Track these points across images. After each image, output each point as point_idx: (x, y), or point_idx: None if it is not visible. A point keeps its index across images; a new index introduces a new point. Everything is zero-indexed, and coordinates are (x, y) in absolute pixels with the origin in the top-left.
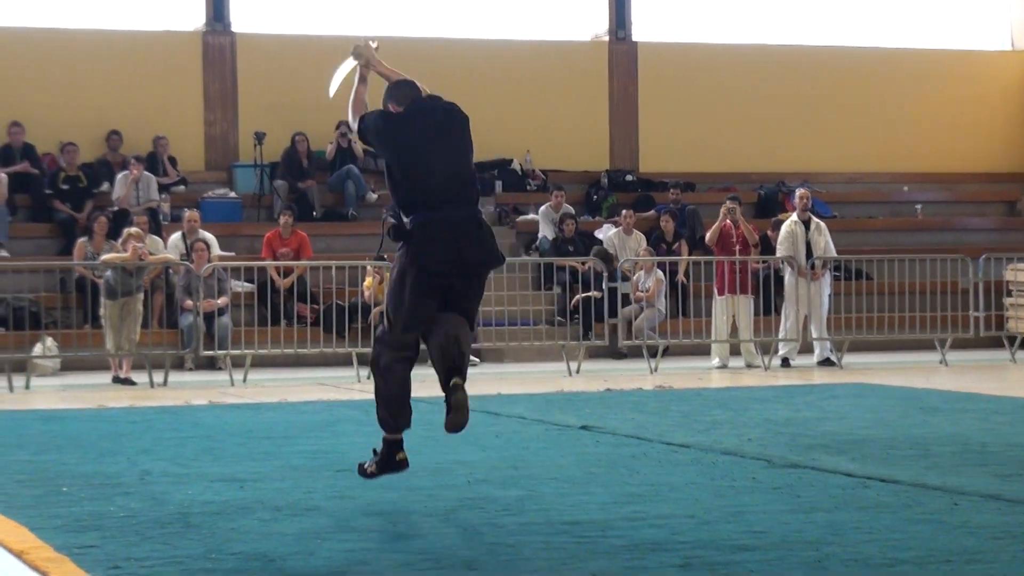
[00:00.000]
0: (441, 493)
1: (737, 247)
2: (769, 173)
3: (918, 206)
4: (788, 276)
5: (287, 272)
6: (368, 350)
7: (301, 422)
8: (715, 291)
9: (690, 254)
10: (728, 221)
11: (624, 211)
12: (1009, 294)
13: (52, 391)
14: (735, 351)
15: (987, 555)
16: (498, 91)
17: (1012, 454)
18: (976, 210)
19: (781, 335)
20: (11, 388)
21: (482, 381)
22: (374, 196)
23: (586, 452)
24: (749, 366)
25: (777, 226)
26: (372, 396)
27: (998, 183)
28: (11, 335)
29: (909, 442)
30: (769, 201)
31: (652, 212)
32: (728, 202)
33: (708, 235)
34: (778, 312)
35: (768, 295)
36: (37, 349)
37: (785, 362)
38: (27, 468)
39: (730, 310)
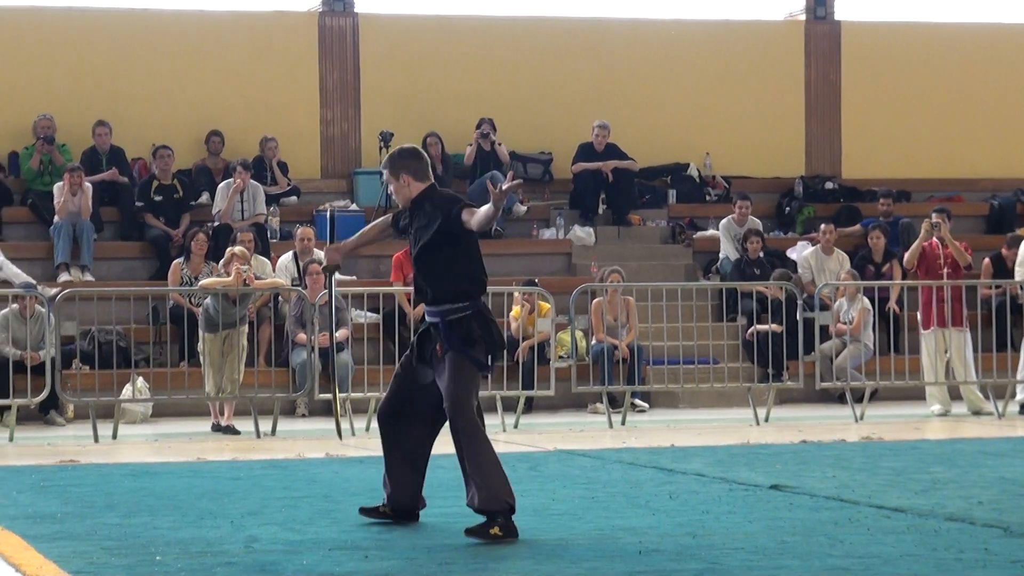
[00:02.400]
0: (605, 566)
1: (945, 270)
2: (1004, 179)
3: None
4: None
5: None
6: (516, 392)
7: (436, 479)
8: (920, 323)
9: (904, 277)
10: (934, 239)
11: (823, 225)
12: None
13: (143, 441)
14: (958, 395)
15: None
16: (671, 82)
17: None
18: None
19: (1020, 376)
20: (96, 438)
21: (653, 431)
22: (523, 208)
23: (778, 517)
24: (977, 413)
25: (1015, 243)
26: (499, 452)
27: None
28: (96, 375)
29: None
30: (1005, 213)
31: (857, 227)
32: (933, 216)
33: (907, 256)
34: (1016, 348)
35: (1003, 327)
36: (126, 391)
37: None
38: (115, 533)
39: (941, 346)
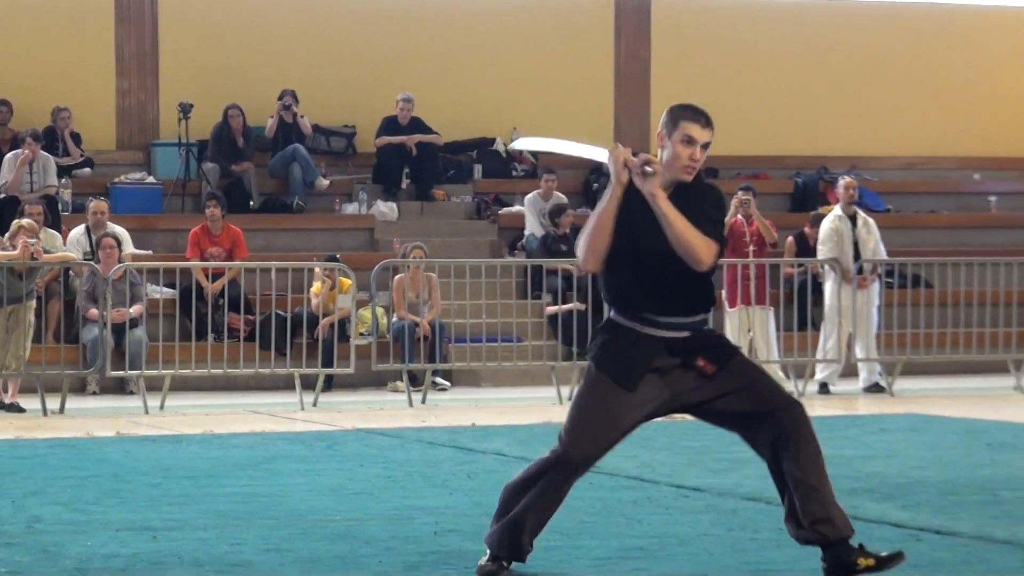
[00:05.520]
0: (400, 546)
1: (751, 247)
2: (809, 157)
3: (992, 198)
4: (830, 283)
5: (216, 275)
6: (315, 370)
7: (230, 458)
8: (724, 301)
9: None
10: (739, 216)
11: None
12: None
13: None
14: None
15: None
16: (478, 55)
17: None
18: None
19: (820, 355)
20: None
21: (454, 409)
22: (325, 182)
23: (578, 497)
24: None
25: (817, 222)
26: (297, 431)
27: None
28: None
29: (973, 486)
30: (808, 191)
31: None
32: (740, 193)
33: None
34: (816, 327)
35: (804, 306)
36: None
37: (824, 388)
38: None
39: (745, 325)
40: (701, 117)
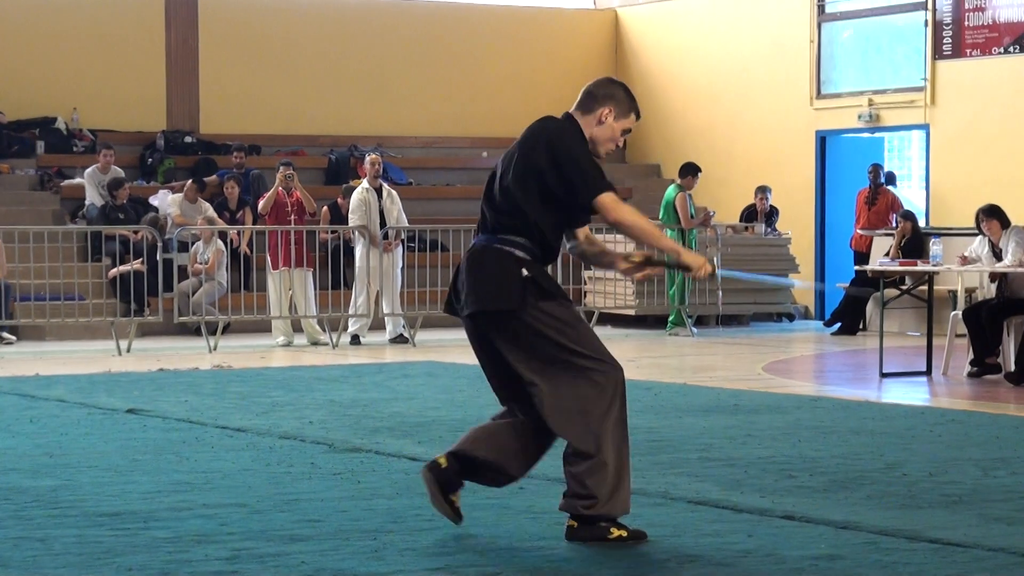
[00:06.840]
0: None
1: (292, 216)
2: (341, 136)
3: None
4: (360, 247)
5: None
6: None
7: None
8: (268, 263)
9: (255, 222)
10: (281, 189)
11: (189, 182)
12: (588, 267)
13: None
14: (300, 328)
15: (551, 541)
16: (40, 41)
17: None
18: None
19: (352, 311)
20: None
21: (19, 361)
22: None
23: (132, 438)
24: (315, 344)
25: (348, 193)
26: None
27: None
28: None
29: (479, 421)
30: (341, 166)
31: (214, 177)
32: (282, 168)
33: (261, 205)
34: (348, 286)
35: (338, 267)
36: None
37: (355, 339)
38: None
39: (286, 284)
40: (638, 112)
